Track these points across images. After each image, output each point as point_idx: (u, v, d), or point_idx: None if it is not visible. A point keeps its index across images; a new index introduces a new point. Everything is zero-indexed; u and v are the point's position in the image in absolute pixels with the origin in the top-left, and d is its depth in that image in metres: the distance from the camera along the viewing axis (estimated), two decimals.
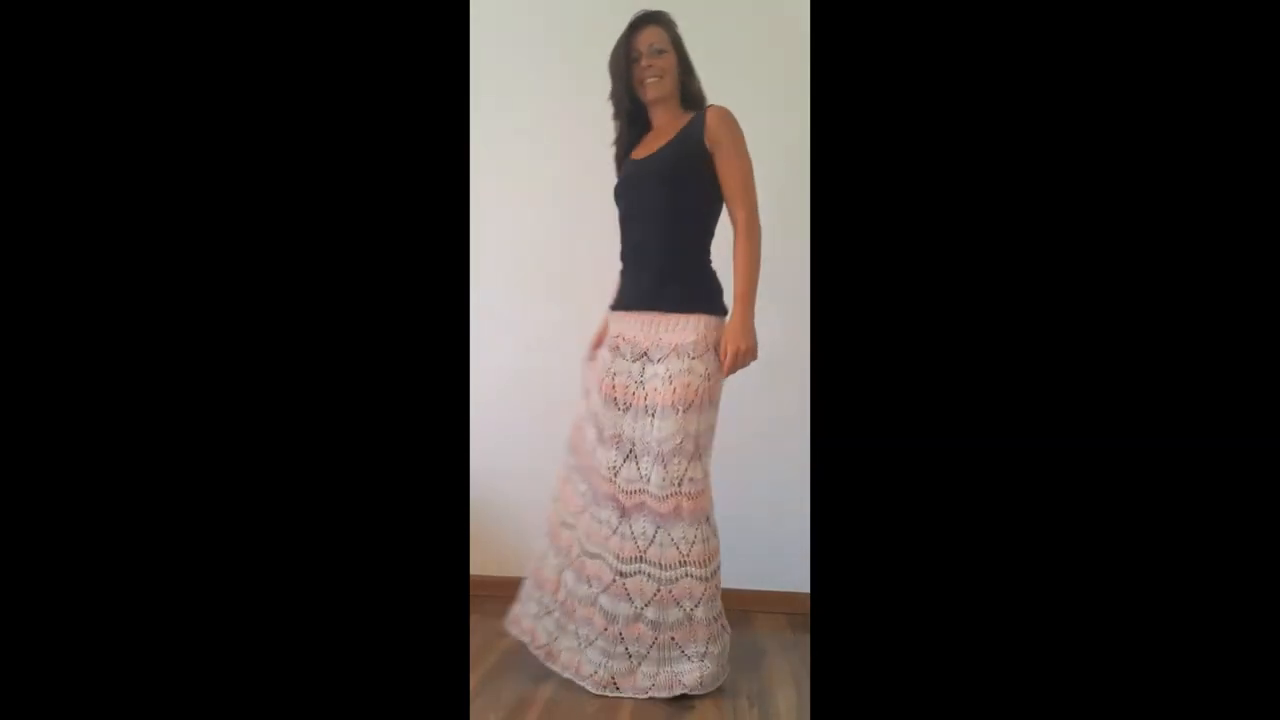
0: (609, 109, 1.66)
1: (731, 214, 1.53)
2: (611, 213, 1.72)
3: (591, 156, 1.82)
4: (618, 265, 1.72)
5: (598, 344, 1.70)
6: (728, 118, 1.50)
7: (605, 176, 1.75)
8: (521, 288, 2.20)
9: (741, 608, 2.07)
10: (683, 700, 1.55)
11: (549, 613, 1.65)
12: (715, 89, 1.67)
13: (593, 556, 1.56)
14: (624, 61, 1.54)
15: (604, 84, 1.66)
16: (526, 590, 1.71)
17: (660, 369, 1.48)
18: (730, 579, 2.01)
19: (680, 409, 1.45)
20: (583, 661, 1.55)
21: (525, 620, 1.69)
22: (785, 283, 1.98)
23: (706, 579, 1.52)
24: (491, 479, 2.25)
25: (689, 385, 1.45)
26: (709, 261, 1.57)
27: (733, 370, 1.48)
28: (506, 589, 2.26)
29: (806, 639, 1.92)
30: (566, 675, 1.55)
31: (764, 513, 2.07)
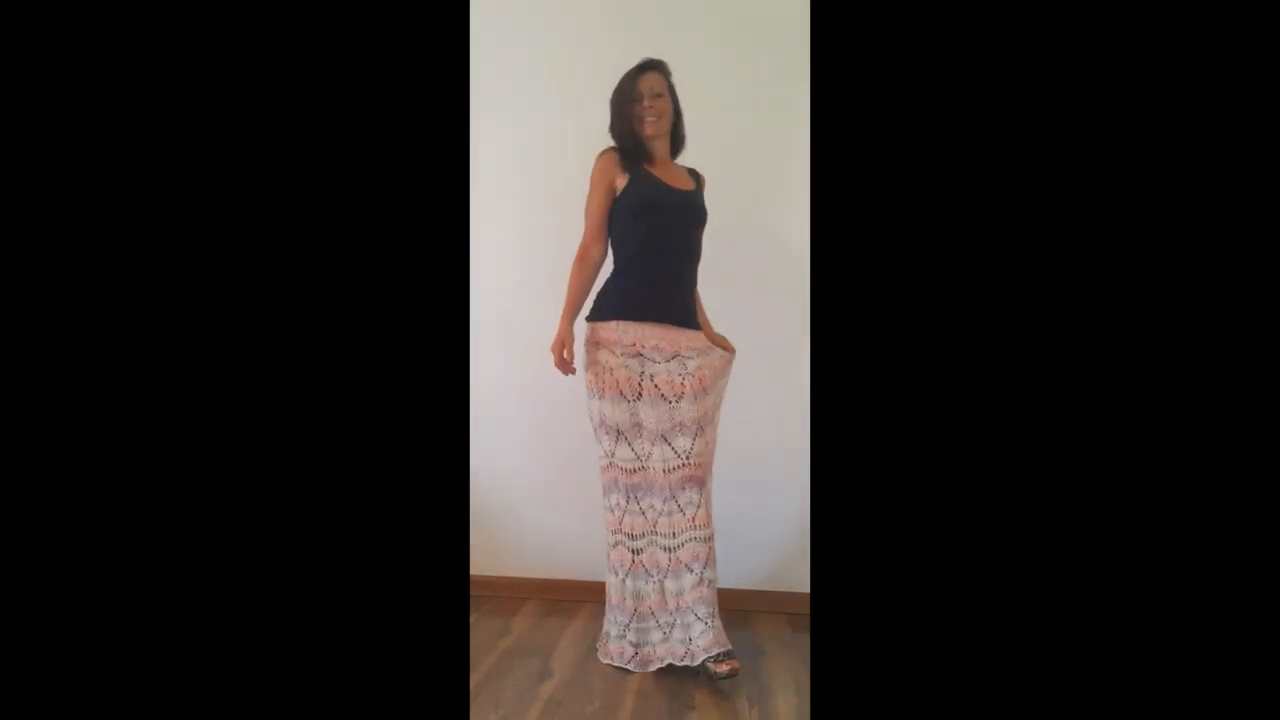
0: (602, 119, 1.77)
1: None
2: None
3: (588, 165, 1.83)
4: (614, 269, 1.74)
5: (566, 350, 1.83)
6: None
7: None
8: (521, 291, 2.20)
9: (741, 608, 2.07)
10: (682, 699, 1.56)
11: (674, 626, 1.73)
12: (718, 95, 1.67)
13: (682, 545, 1.70)
14: (628, 100, 1.74)
15: (596, 96, 1.78)
16: (638, 629, 1.77)
17: (704, 360, 1.74)
18: (730, 579, 2.01)
19: (699, 393, 1.73)
20: (717, 633, 1.65)
21: (659, 648, 1.75)
22: (786, 288, 1.99)
23: (708, 540, 1.73)
24: (491, 480, 2.25)
25: (710, 376, 1.75)
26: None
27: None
28: (506, 589, 2.27)
29: (806, 639, 1.92)
30: (718, 650, 1.62)
31: (764, 513, 2.07)
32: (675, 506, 1.70)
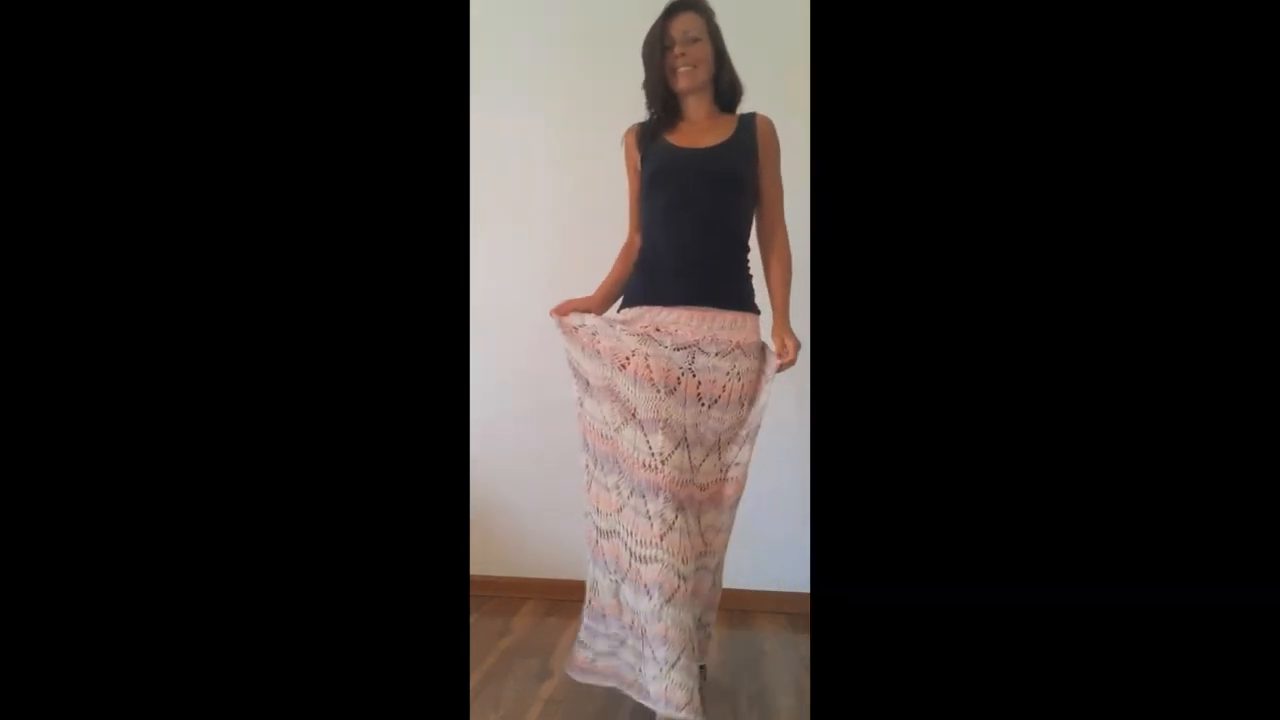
0: (606, 112, 1.65)
1: (770, 226, 1.54)
2: (611, 211, 1.72)
3: (590, 159, 1.82)
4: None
5: (566, 310, 1.56)
6: (774, 129, 1.52)
7: (603, 180, 1.75)
8: (521, 289, 2.20)
9: (741, 608, 2.07)
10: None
11: (623, 643, 1.44)
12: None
13: (646, 561, 1.35)
14: (658, 49, 1.47)
15: (597, 94, 1.68)
16: (588, 627, 1.51)
17: (724, 364, 1.42)
18: (730, 579, 2.01)
19: (746, 402, 1.44)
20: (672, 688, 1.30)
21: (600, 661, 1.49)
22: None
23: (714, 570, 1.47)
24: (491, 479, 2.25)
25: (754, 382, 1.45)
26: (749, 263, 1.55)
27: (786, 366, 1.49)
28: (506, 589, 2.27)
29: (806, 639, 1.92)
30: (668, 712, 1.31)
31: (764, 513, 2.07)
32: (643, 506, 1.36)
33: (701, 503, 1.41)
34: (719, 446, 1.43)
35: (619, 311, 1.54)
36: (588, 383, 1.48)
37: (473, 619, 2.05)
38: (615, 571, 1.43)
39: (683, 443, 1.38)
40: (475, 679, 1.66)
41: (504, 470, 2.24)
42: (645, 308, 1.47)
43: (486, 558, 2.25)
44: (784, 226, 1.54)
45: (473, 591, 2.20)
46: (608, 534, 1.44)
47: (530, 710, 1.52)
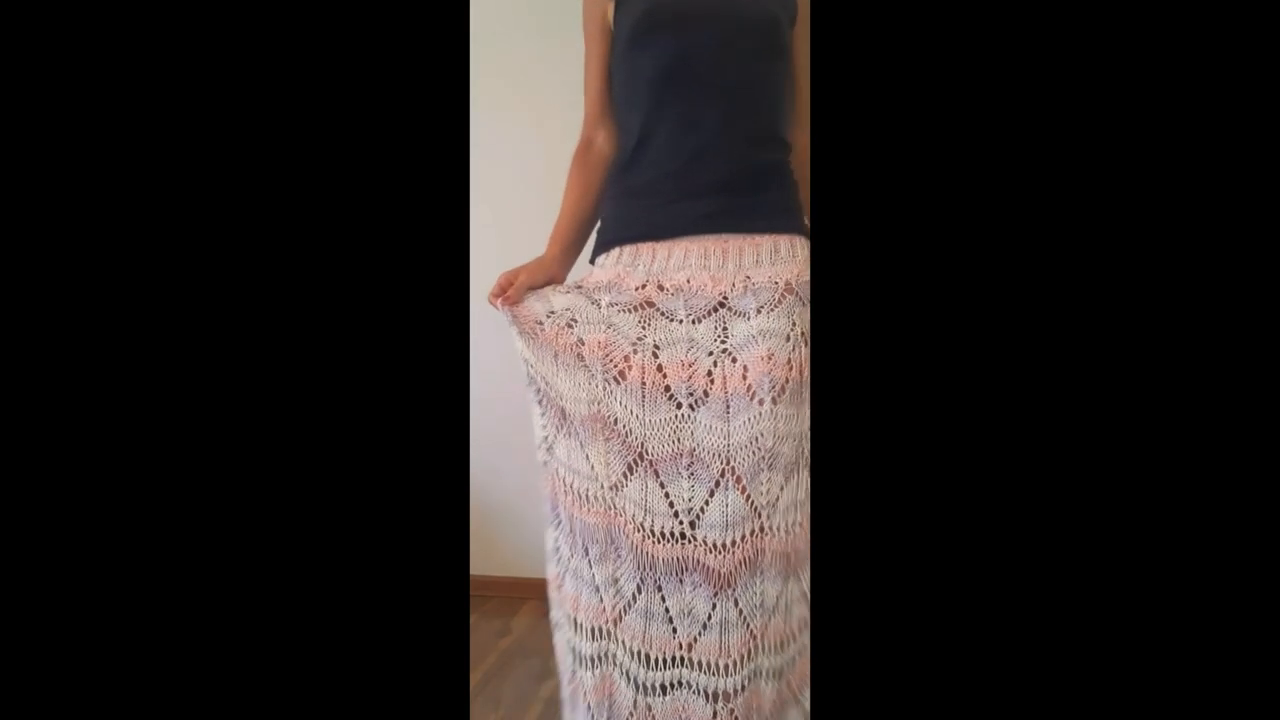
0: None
1: (802, 113, 1.01)
2: None
3: None
4: None
5: (508, 290, 1.00)
6: None
7: None
8: None
9: None
10: None
11: None
12: None
13: (662, 691, 0.88)
14: None
15: None
16: None
17: (778, 324, 0.86)
18: None
19: (747, 395, 0.86)
20: None
21: None
22: None
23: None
24: (491, 479, 2.24)
25: (799, 360, 0.88)
26: (791, 165, 1.00)
27: None
28: (506, 589, 2.27)
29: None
30: None
31: None
32: (659, 605, 0.87)
33: (787, 555, 0.87)
34: (804, 459, 0.86)
35: (593, 261, 1.04)
36: (563, 412, 0.93)
37: (473, 619, 2.05)
38: (605, 713, 0.92)
39: (725, 480, 0.85)
40: (475, 679, 1.67)
41: (504, 470, 2.23)
42: (635, 248, 0.95)
43: (486, 558, 2.25)
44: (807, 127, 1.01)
45: (473, 591, 2.20)
46: (595, 662, 0.90)
47: (530, 710, 1.52)
